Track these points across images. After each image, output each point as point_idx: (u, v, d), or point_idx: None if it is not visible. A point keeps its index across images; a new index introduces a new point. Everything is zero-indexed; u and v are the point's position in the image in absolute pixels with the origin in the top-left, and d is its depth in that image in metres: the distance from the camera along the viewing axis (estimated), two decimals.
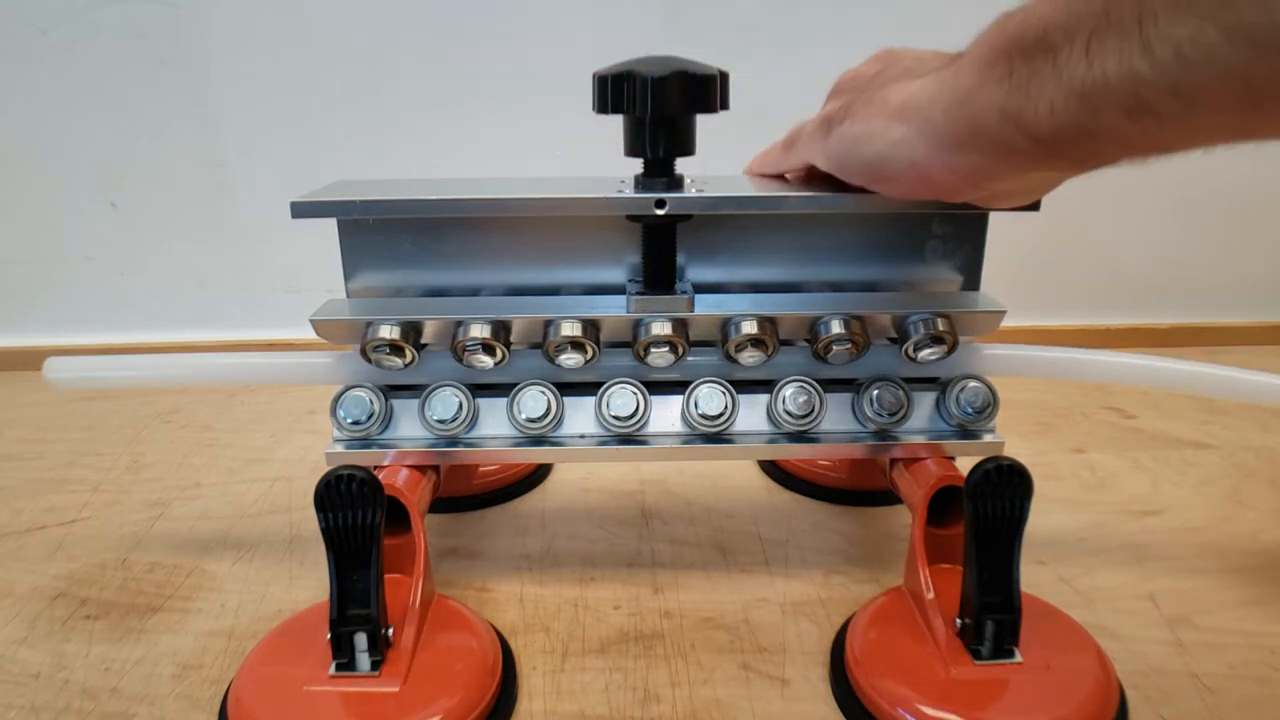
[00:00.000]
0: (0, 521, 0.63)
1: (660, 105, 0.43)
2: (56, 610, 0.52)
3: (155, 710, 0.44)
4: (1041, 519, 0.61)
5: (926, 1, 0.84)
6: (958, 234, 0.49)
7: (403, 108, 0.86)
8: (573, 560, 0.57)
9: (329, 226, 0.48)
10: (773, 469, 0.68)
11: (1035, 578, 0.54)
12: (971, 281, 0.50)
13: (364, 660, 0.43)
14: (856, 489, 0.63)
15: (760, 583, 0.54)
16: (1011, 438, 0.74)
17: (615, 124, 0.46)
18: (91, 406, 0.83)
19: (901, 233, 0.49)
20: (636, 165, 0.47)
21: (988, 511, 0.43)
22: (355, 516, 0.42)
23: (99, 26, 0.83)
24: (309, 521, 0.56)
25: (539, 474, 0.68)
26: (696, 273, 0.50)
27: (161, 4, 0.83)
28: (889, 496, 0.62)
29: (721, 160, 0.80)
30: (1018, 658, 0.43)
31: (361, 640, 0.42)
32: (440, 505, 0.63)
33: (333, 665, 0.43)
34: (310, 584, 0.55)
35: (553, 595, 0.53)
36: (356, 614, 0.43)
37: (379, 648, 0.43)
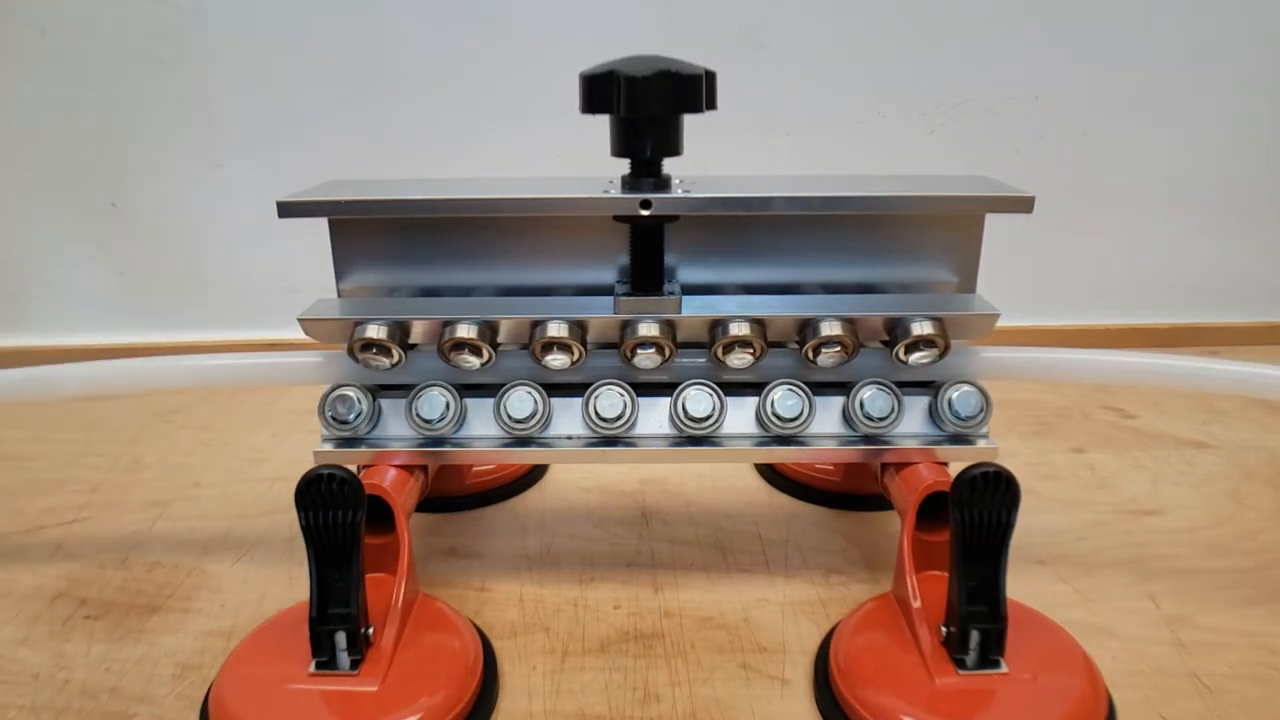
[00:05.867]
0: (0, 521, 0.63)
1: (644, 105, 0.43)
2: (56, 610, 0.52)
3: (155, 710, 0.44)
4: (1041, 519, 0.61)
5: (925, 1, 0.85)
6: (953, 235, 0.49)
7: (404, 107, 0.86)
8: (572, 560, 0.57)
9: (326, 226, 0.49)
10: (769, 473, 0.67)
11: (1035, 577, 0.54)
12: (967, 284, 0.50)
13: (344, 659, 0.43)
14: (853, 493, 0.63)
15: (760, 582, 0.54)
16: (1011, 438, 0.75)
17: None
18: (91, 406, 0.83)
19: (895, 234, 0.49)
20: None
21: (974, 519, 0.42)
22: (336, 516, 0.42)
23: (99, 26, 0.83)
24: None
25: (536, 473, 0.67)
26: (687, 274, 0.50)
27: (161, 4, 0.83)
28: (886, 501, 0.62)
29: (724, 161, 0.80)
30: (1003, 668, 0.42)
31: (341, 639, 0.43)
32: (439, 505, 0.63)
33: (313, 664, 0.43)
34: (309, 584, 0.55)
35: (552, 595, 0.53)
36: (337, 613, 0.43)
37: (359, 647, 0.43)
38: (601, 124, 0.46)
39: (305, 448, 0.77)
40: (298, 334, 0.48)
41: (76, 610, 0.52)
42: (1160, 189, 0.92)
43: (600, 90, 0.43)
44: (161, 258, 0.91)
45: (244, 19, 0.83)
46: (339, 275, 0.50)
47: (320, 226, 0.48)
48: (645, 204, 0.44)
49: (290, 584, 0.55)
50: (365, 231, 0.49)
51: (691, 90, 0.43)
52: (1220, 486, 0.66)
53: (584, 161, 0.87)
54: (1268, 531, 0.60)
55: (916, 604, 0.45)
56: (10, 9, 0.82)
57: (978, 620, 0.42)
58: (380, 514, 0.47)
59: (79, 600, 0.53)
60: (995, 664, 0.42)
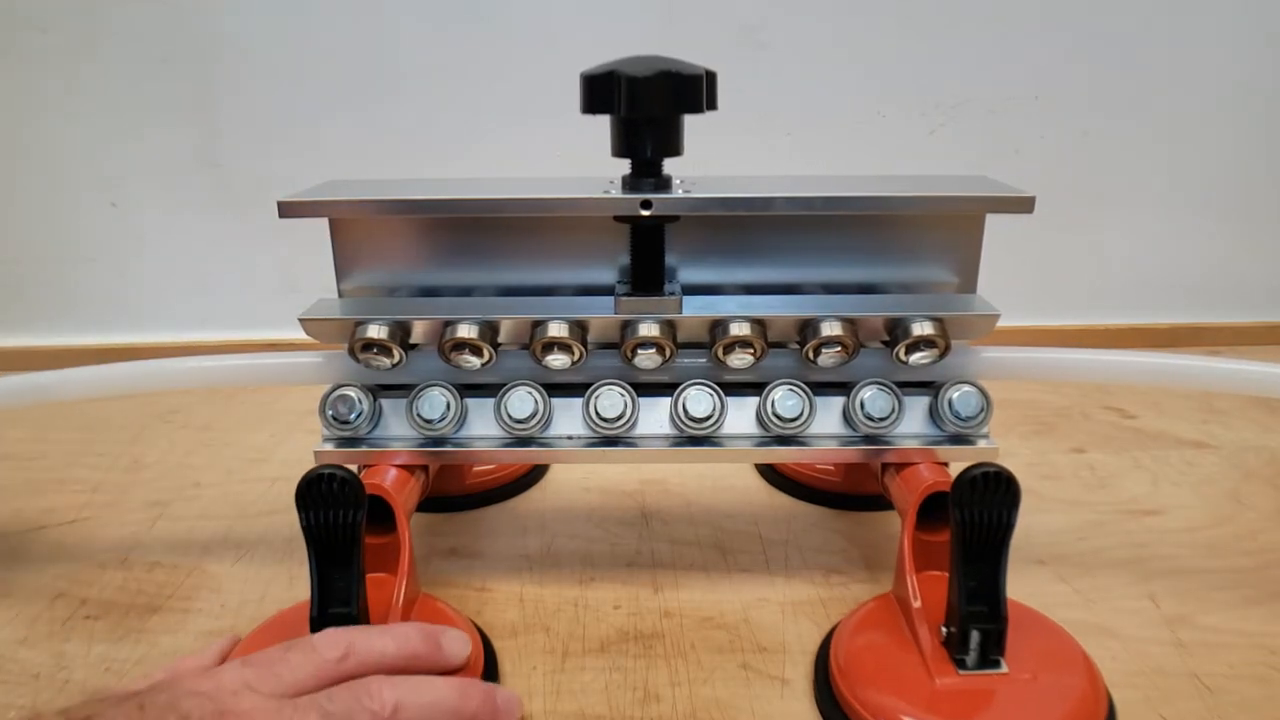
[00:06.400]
0: (0, 521, 0.63)
1: (644, 105, 0.43)
2: (56, 610, 0.52)
3: None
4: (1041, 519, 0.61)
5: (925, 2, 0.85)
6: (953, 235, 0.49)
7: (404, 107, 0.86)
8: (572, 560, 0.57)
9: (327, 226, 0.49)
10: (770, 473, 0.67)
11: (1035, 577, 0.54)
12: (967, 284, 0.50)
13: None
14: (853, 493, 0.63)
15: (760, 582, 0.54)
16: (1011, 438, 0.75)
17: None
18: (91, 406, 0.83)
19: (895, 234, 0.49)
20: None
21: (974, 519, 0.42)
22: (336, 515, 0.43)
23: (99, 26, 0.83)
24: None
25: (536, 473, 0.67)
26: (689, 274, 0.50)
27: (161, 4, 0.83)
28: (886, 501, 0.62)
29: (724, 161, 0.80)
30: (1003, 668, 0.42)
31: None
32: (440, 505, 0.63)
33: None
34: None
35: (553, 595, 0.53)
36: (337, 613, 0.43)
37: None
38: (602, 124, 0.46)
39: (305, 448, 0.77)
40: (298, 334, 0.48)
41: (76, 610, 0.52)
42: (1160, 189, 0.92)
43: (601, 90, 0.43)
44: (161, 257, 0.91)
45: (244, 18, 0.83)
46: (339, 275, 0.50)
47: (320, 226, 0.48)
48: (646, 204, 0.44)
49: (290, 584, 0.55)
50: (365, 231, 0.49)
51: (692, 90, 0.43)
52: (1220, 486, 0.66)
53: (584, 161, 0.87)
54: (1268, 531, 0.60)
55: (916, 604, 0.45)
56: (10, 9, 0.82)
57: (978, 620, 0.42)
58: (381, 514, 0.47)
59: (79, 600, 0.53)
60: (995, 664, 0.42)
